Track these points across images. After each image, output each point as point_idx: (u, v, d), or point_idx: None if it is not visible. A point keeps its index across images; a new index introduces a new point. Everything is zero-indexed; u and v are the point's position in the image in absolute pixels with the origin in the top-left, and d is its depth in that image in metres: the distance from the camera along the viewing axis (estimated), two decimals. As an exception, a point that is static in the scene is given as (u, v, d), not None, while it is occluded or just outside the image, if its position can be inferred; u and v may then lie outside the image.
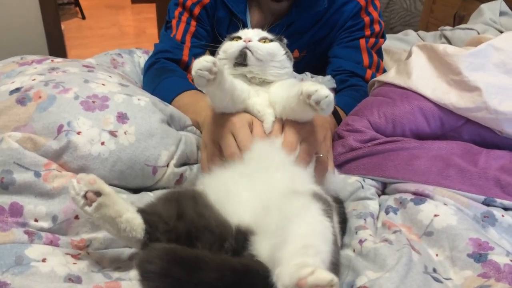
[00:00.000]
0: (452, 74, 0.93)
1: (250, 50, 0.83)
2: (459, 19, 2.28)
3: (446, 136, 0.95)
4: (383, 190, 0.90)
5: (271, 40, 0.87)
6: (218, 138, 0.81)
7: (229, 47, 0.85)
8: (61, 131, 0.75)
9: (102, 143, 0.76)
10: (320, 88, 0.69)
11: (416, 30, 2.68)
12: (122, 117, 0.80)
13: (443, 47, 0.96)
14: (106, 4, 5.08)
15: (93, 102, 0.81)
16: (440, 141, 0.91)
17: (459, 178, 0.82)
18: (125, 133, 0.79)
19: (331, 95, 0.69)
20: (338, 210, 0.75)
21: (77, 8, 4.59)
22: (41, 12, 2.82)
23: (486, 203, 0.78)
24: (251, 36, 0.85)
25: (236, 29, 0.92)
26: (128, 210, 0.61)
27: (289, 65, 0.89)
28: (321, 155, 0.84)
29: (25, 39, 2.83)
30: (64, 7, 4.60)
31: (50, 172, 0.70)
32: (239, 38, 0.86)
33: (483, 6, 1.60)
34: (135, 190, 0.81)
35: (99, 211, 0.60)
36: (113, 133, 0.78)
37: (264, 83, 0.86)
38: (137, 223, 0.61)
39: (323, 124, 0.94)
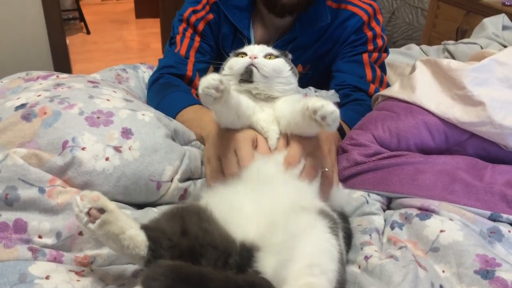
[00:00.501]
0: (456, 89, 0.93)
1: (256, 67, 0.83)
2: (461, 33, 2.29)
3: (451, 150, 0.95)
4: (388, 205, 0.90)
5: (276, 56, 0.87)
6: (221, 154, 0.81)
7: (234, 64, 0.85)
8: (66, 147, 0.75)
9: (107, 159, 0.76)
10: (326, 104, 0.68)
11: (418, 44, 2.70)
12: (126, 133, 0.81)
13: (446, 62, 0.96)
14: (111, 19, 5.13)
15: (98, 117, 0.81)
16: (445, 156, 0.90)
17: (465, 193, 0.81)
18: (129, 148, 0.79)
19: (337, 111, 0.69)
20: (343, 226, 0.74)
21: (82, 23, 4.64)
22: (46, 27, 2.85)
23: (492, 218, 0.77)
24: (257, 53, 0.85)
25: (240, 45, 0.92)
26: (131, 226, 0.61)
27: (294, 81, 0.89)
28: (326, 169, 0.84)
29: (30, 54, 2.86)
30: (69, 22, 4.66)
31: (54, 188, 0.70)
32: (245, 54, 0.86)
33: (486, 20, 1.61)
34: (139, 206, 0.81)
35: (102, 228, 0.59)
36: (117, 149, 0.78)
37: (269, 98, 0.86)
38: (140, 240, 0.61)
39: (327, 137, 0.94)
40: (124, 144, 0.79)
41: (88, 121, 0.80)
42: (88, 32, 4.61)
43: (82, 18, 4.59)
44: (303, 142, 0.80)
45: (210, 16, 1.26)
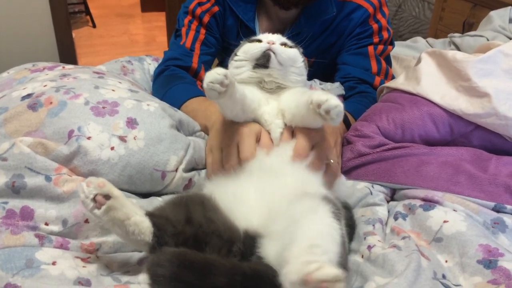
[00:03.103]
0: (461, 80, 0.93)
1: (274, 52, 0.82)
2: (468, 27, 2.28)
3: (456, 142, 0.95)
4: (392, 196, 0.90)
5: (290, 47, 0.86)
6: (223, 145, 0.82)
7: (251, 48, 0.83)
8: (72, 136, 0.76)
9: (112, 148, 0.77)
10: (331, 97, 0.68)
11: (425, 38, 2.68)
12: (131, 123, 0.81)
13: (452, 53, 0.96)
14: (117, 13, 5.14)
15: (103, 107, 0.82)
16: (450, 147, 0.90)
17: (469, 184, 0.81)
18: (134, 138, 0.80)
19: (341, 105, 0.69)
20: (346, 216, 0.74)
21: (88, 17, 4.64)
22: (52, 21, 2.86)
23: (496, 209, 0.77)
24: (274, 40, 0.84)
25: (245, 37, 0.92)
26: (136, 213, 0.62)
27: (305, 73, 0.89)
28: (332, 161, 0.84)
29: (37, 47, 2.87)
30: (75, 15, 4.66)
31: (60, 177, 0.71)
32: (259, 41, 0.85)
33: (492, 13, 1.60)
34: (144, 195, 0.82)
35: (108, 214, 0.60)
36: (122, 138, 0.79)
37: (277, 89, 0.85)
38: (145, 226, 0.61)
39: (333, 129, 0.94)
40: (129, 133, 0.80)
41: (93, 110, 0.80)
42: (94, 26, 4.62)
43: (88, 12, 4.60)
44: (310, 133, 0.80)
45: (216, 8, 1.26)
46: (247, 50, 0.84)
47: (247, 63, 0.84)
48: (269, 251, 0.59)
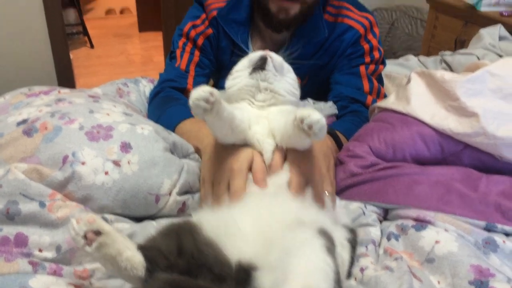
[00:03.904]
0: (450, 100, 0.95)
1: (270, 57, 0.88)
2: (460, 44, 2.31)
3: (447, 161, 0.96)
4: (385, 216, 0.90)
5: None
6: (214, 180, 0.83)
7: (250, 56, 0.91)
8: (66, 162, 0.77)
9: (106, 173, 0.78)
10: (313, 113, 0.70)
11: (418, 54, 2.72)
12: (125, 147, 0.82)
13: (440, 73, 0.97)
14: (114, 33, 5.19)
15: (98, 132, 0.83)
16: (441, 167, 0.91)
17: (460, 203, 0.82)
18: (128, 162, 0.81)
19: (323, 120, 0.70)
20: (349, 238, 0.75)
21: (86, 38, 4.69)
22: (50, 42, 2.89)
23: (487, 228, 0.78)
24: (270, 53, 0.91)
25: (239, 58, 0.95)
26: (128, 248, 0.61)
27: (298, 90, 0.93)
28: (327, 193, 0.85)
29: (35, 68, 2.90)
30: (73, 36, 4.71)
31: (54, 202, 0.72)
32: None
33: (482, 31, 1.63)
34: (138, 219, 0.82)
35: (99, 251, 0.59)
36: (116, 163, 0.80)
37: (269, 104, 0.88)
38: (137, 261, 0.61)
39: (325, 153, 0.95)
40: (123, 158, 0.81)
41: (88, 135, 0.81)
42: (92, 46, 4.66)
43: (86, 33, 4.65)
44: (301, 167, 0.81)
45: (210, 30, 1.29)
46: (246, 58, 0.90)
47: (245, 71, 0.89)
48: (264, 283, 0.59)
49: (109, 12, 5.81)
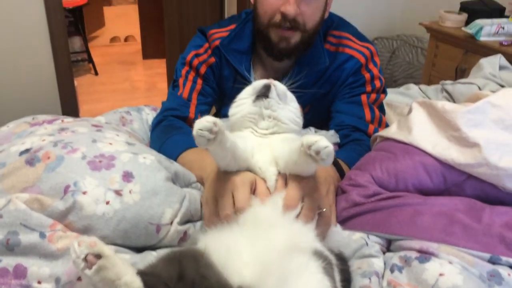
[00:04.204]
0: (451, 130, 0.95)
1: (274, 85, 0.90)
2: (461, 72, 2.33)
3: (450, 191, 0.95)
4: (388, 247, 0.89)
5: None
6: (218, 195, 0.83)
7: (254, 83, 0.92)
8: (68, 191, 0.76)
9: (107, 203, 0.78)
10: (320, 139, 0.71)
11: (419, 82, 2.74)
12: (127, 176, 0.82)
13: (441, 104, 0.98)
14: (119, 60, 5.26)
15: (100, 161, 0.83)
16: (444, 197, 0.91)
17: (464, 235, 0.81)
18: (130, 191, 0.80)
19: (331, 146, 0.71)
20: (341, 269, 0.74)
21: (90, 65, 4.75)
22: (55, 70, 2.92)
23: (492, 261, 0.77)
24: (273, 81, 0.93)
25: (241, 87, 0.97)
26: (127, 272, 0.61)
27: (301, 121, 0.95)
28: (324, 209, 0.85)
29: (39, 95, 2.92)
30: (78, 63, 4.77)
31: (55, 233, 0.71)
32: None
33: (483, 60, 1.64)
34: (139, 249, 0.82)
35: (98, 274, 0.60)
36: (118, 192, 0.80)
37: (272, 132, 0.88)
38: (136, 286, 0.61)
39: (326, 178, 0.95)
40: (125, 187, 0.81)
41: (90, 165, 0.82)
42: (96, 73, 4.72)
43: (90, 60, 4.71)
44: (301, 183, 0.81)
45: (212, 59, 1.30)
46: (250, 86, 0.92)
47: (248, 99, 0.91)
48: None
49: (113, 39, 5.90)
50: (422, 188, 0.96)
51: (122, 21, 6.15)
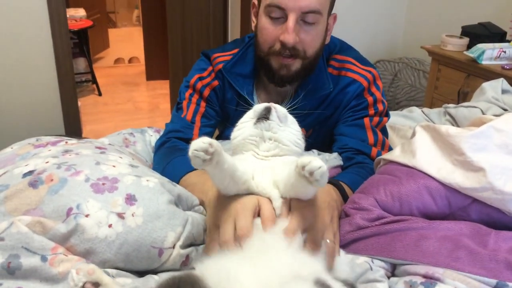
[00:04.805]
0: (455, 155, 0.94)
1: (274, 108, 0.92)
2: (463, 95, 2.34)
3: (454, 215, 0.94)
4: (393, 271, 0.88)
5: None
6: (219, 222, 0.82)
7: (255, 107, 0.94)
8: (70, 214, 0.76)
9: (110, 226, 0.77)
10: (313, 159, 0.71)
11: (421, 105, 2.75)
12: (130, 199, 0.82)
13: (445, 128, 0.98)
14: (122, 81, 5.31)
15: (103, 184, 0.83)
16: (448, 221, 0.90)
17: (469, 260, 0.80)
18: (132, 215, 0.80)
19: (324, 166, 0.71)
20: None
21: (94, 85, 4.80)
22: (59, 91, 2.95)
23: (498, 287, 0.76)
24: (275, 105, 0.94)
25: (244, 109, 0.98)
26: None
27: (302, 143, 0.96)
28: (328, 240, 0.84)
29: (43, 116, 2.94)
30: (82, 84, 4.82)
31: (56, 256, 0.71)
32: None
33: (485, 84, 1.65)
34: (140, 273, 0.81)
35: None
36: (120, 215, 0.79)
37: (273, 155, 0.88)
38: None
39: (329, 203, 0.94)
40: (127, 210, 0.80)
41: (93, 187, 0.81)
42: (100, 94, 4.76)
43: (94, 81, 4.76)
44: (304, 212, 0.81)
45: (216, 82, 1.32)
46: (251, 110, 0.93)
47: (250, 122, 0.91)
48: None
49: (118, 61, 5.97)
50: (427, 212, 0.95)
51: (127, 43, 6.24)
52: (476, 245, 0.82)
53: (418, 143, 1.03)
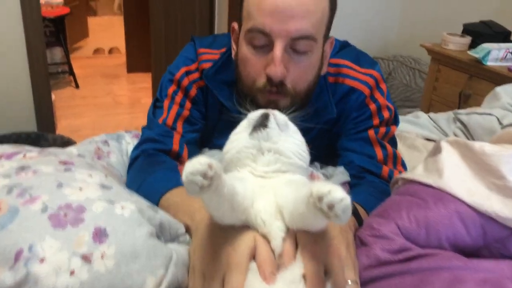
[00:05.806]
0: (493, 177, 0.80)
1: (273, 114, 0.77)
2: (465, 98, 2.22)
3: (490, 248, 0.80)
4: (421, 320, 0.73)
5: None
6: (206, 273, 0.67)
7: (250, 114, 0.80)
8: (20, 259, 0.59)
9: (72, 273, 0.60)
10: (334, 189, 0.54)
11: (417, 106, 2.62)
12: (99, 235, 0.65)
13: (479, 145, 0.84)
14: (102, 73, 5.08)
15: (65, 215, 0.65)
16: (488, 261, 0.76)
17: (518, 312, 0.66)
18: (102, 256, 0.63)
19: (348, 199, 0.54)
20: None
21: (71, 77, 4.56)
22: (31, 81, 2.76)
23: None
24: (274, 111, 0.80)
25: (228, 118, 0.87)
26: None
27: (307, 155, 0.80)
28: (350, 282, 0.69)
29: (12, 108, 2.75)
30: (57, 76, 4.58)
31: (-5, 324, 0.53)
32: None
33: (499, 89, 1.52)
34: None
35: None
36: (86, 258, 0.62)
37: (274, 165, 0.74)
38: None
39: (342, 227, 0.79)
40: (95, 250, 0.63)
41: (52, 220, 0.64)
42: (77, 86, 4.53)
43: (71, 72, 4.52)
44: (316, 249, 0.66)
45: (202, 82, 1.13)
46: (245, 119, 0.79)
47: (244, 132, 0.77)
48: None
49: (97, 51, 5.74)
50: (458, 242, 0.80)
51: (107, 32, 6.03)
52: (525, 292, 0.68)
53: (445, 161, 0.88)
